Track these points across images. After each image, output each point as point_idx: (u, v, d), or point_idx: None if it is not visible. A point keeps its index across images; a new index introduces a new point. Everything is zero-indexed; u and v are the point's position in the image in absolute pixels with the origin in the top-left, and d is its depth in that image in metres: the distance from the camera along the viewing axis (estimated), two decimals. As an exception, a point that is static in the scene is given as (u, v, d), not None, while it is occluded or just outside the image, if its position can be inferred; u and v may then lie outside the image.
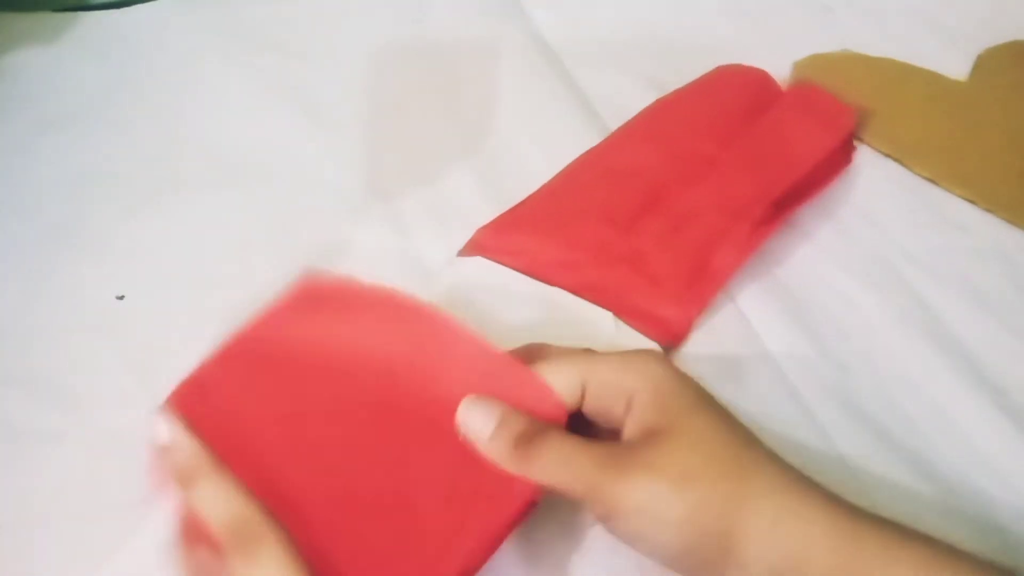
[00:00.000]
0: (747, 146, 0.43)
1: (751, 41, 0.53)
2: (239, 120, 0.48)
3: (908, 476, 0.34)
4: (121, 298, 0.39)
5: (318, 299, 0.33)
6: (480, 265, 0.40)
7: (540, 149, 0.46)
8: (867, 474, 0.34)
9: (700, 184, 0.41)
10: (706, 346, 0.38)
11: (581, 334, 0.35)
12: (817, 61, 0.52)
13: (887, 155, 0.47)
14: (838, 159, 0.44)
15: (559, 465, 0.27)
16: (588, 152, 0.45)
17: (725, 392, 0.36)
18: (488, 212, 0.42)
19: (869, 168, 0.46)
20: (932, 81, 0.51)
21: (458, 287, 0.39)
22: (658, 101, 0.47)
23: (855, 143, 0.46)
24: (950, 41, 0.52)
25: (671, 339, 0.37)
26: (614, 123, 0.47)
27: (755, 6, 0.56)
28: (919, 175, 0.46)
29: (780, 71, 0.52)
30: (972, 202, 0.44)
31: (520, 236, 0.40)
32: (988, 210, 0.44)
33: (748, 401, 0.36)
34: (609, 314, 0.37)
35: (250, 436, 0.28)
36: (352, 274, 0.33)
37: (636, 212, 0.40)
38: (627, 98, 0.48)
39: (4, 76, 0.50)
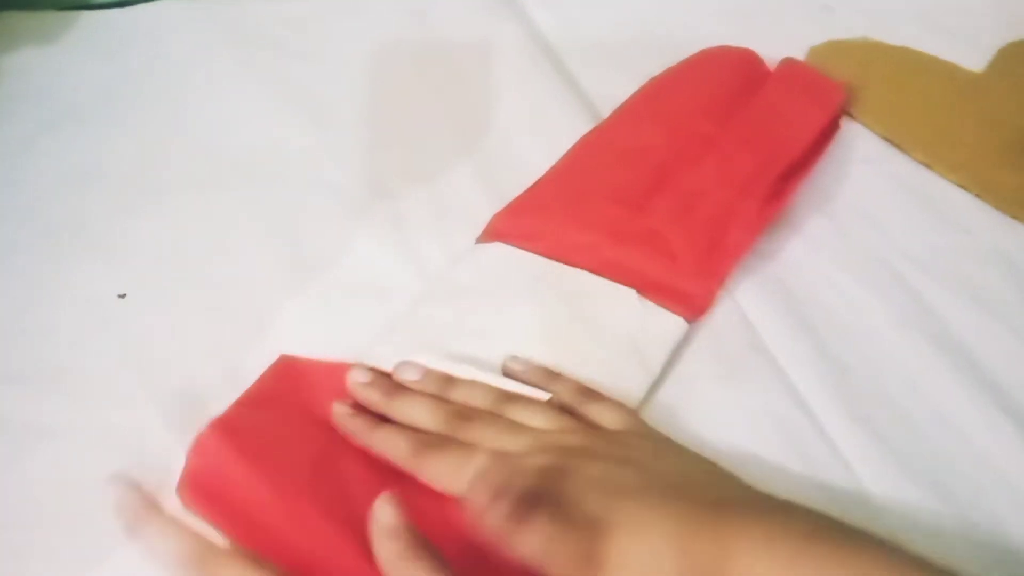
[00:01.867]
0: (744, 124, 0.44)
1: (751, 41, 0.53)
2: (240, 119, 0.48)
3: (907, 476, 0.34)
4: (122, 297, 0.39)
5: (292, 381, 0.33)
6: (500, 251, 0.40)
7: (540, 148, 0.46)
8: (865, 474, 0.34)
9: (702, 162, 0.42)
10: (706, 346, 0.38)
11: (606, 312, 0.37)
12: (833, 47, 0.52)
13: (887, 139, 0.47)
14: (828, 133, 0.45)
15: None
16: (590, 133, 0.45)
17: (724, 392, 0.36)
18: (488, 211, 0.42)
19: (869, 169, 0.46)
20: (946, 70, 0.51)
21: (481, 273, 0.39)
22: (651, 81, 0.48)
23: (842, 117, 0.47)
24: (950, 41, 0.52)
25: (694, 312, 0.38)
26: (614, 123, 0.47)
27: (755, 6, 0.56)
28: (915, 159, 0.46)
29: (781, 71, 0.52)
30: (963, 187, 0.45)
31: (536, 219, 0.41)
32: (978, 196, 0.44)
33: (747, 401, 0.36)
34: (632, 291, 0.37)
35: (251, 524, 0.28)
36: (321, 357, 0.34)
37: (646, 191, 0.41)
38: (627, 97, 0.48)
39: (5, 75, 0.50)
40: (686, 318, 0.37)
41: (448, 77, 0.51)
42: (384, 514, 0.26)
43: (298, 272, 0.40)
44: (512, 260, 0.39)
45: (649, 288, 0.38)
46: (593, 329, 0.36)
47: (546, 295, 0.38)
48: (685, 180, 0.42)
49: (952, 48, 0.52)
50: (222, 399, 0.35)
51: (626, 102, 0.47)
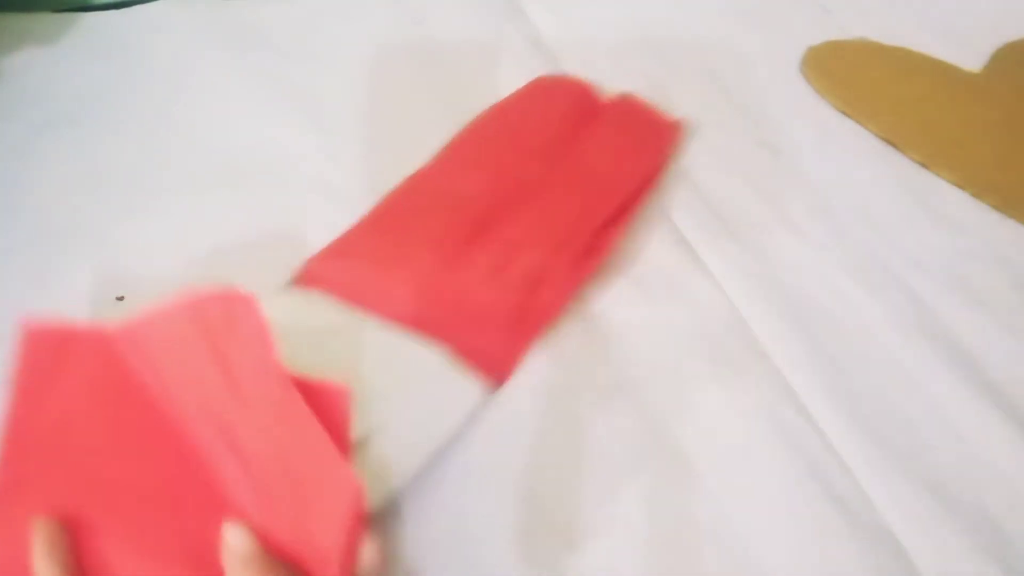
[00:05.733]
0: (572, 166, 0.43)
1: (750, 42, 0.53)
2: (239, 120, 0.48)
3: (904, 475, 0.34)
4: (121, 299, 0.39)
5: (55, 353, 0.31)
6: (311, 297, 0.38)
7: (539, 149, 0.46)
8: (863, 474, 0.34)
9: (525, 209, 0.41)
10: (703, 346, 0.38)
11: (413, 368, 0.35)
12: (831, 48, 0.52)
13: (884, 139, 0.47)
14: (657, 171, 0.44)
15: None
16: (416, 174, 0.44)
17: (721, 393, 0.36)
18: (487, 212, 0.42)
19: (866, 168, 0.46)
20: (943, 71, 0.51)
21: (291, 318, 0.35)
22: (481, 116, 0.46)
23: (672, 155, 0.46)
24: (947, 42, 0.52)
25: (499, 376, 0.37)
26: (612, 123, 0.47)
27: (754, 7, 0.56)
28: (912, 159, 0.46)
29: (779, 71, 0.52)
30: (960, 187, 0.45)
31: (350, 267, 0.39)
32: (976, 195, 0.44)
33: (744, 402, 0.36)
34: (441, 353, 0.36)
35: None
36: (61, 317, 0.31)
37: (463, 241, 0.40)
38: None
39: (4, 76, 0.50)
40: (490, 382, 0.36)
41: (447, 77, 0.51)
42: (236, 541, 0.26)
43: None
44: (321, 308, 0.37)
45: (455, 346, 0.36)
46: (397, 378, 0.35)
47: (353, 343, 0.36)
48: (506, 230, 0.40)
49: (949, 49, 0.52)
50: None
51: (454, 139, 0.46)
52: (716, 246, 0.42)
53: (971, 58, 0.52)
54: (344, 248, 0.41)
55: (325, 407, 0.28)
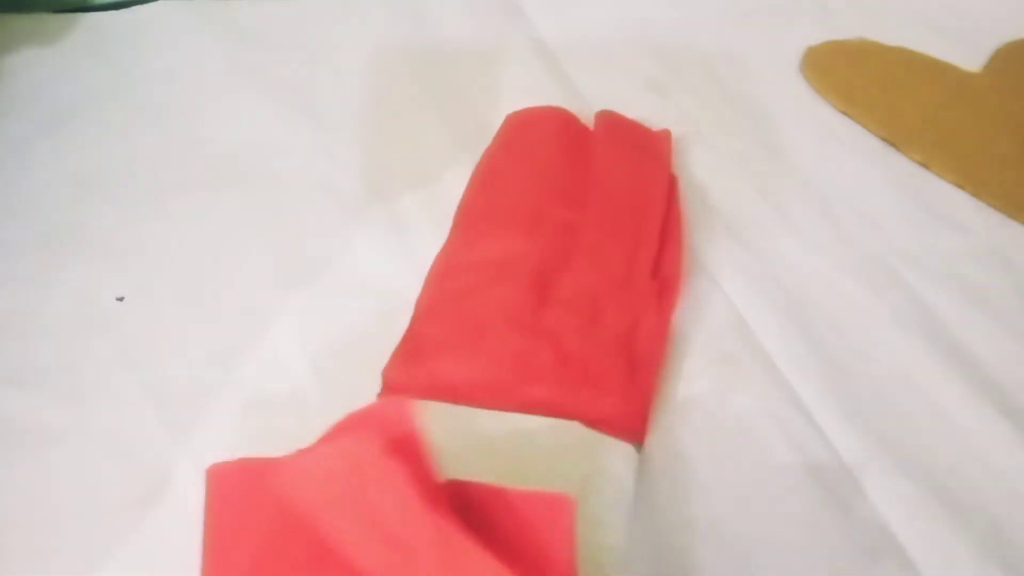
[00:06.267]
0: (595, 197, 0.41)
1: (750, 42, 0.53)
2: (239, 121, 0.48)
3: (904, 475, 0.34)
4: (121, 299, 0.39)
5: (238, 496, 0.29)
6: (432, 408, 0.34)
7: (539, 150, 0.46)
8: (863, 474, 0.34)
9: (574, 258, 0.38)
10: (702, 346, 0.38)
11: (551, 452, 0.32)
12: (831, 47, 0.52)
13: (884, 139, 0.47)
14: (672, 181, 0.43)
15: None
16: (447, 248, 0.41)
17: (720, 393, 0.36)
18: (487, 213, 0.42)
19: (866, 168, 0.46)
20: (943, 70, 0.51)
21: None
22: (480, 170, 0.44)
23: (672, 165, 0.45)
24: (947, 41, 0.52)
25: (637, 437, 0.34)
26: (612, 124, 0.47)
27: (754, 7, 0.56)
28: (912, 159, 0.46)
29: (779, 71, 0.52)
30: (960, 187, 0.45)
31: (431, 365, 0.35)
32: (975, 195, 0.44)
33: (744, 401, 0.36)
34: (577, 424, 0.33)
35: None
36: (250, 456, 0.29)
37: (532, 307, 0.37)
38: (625, 100, 0.48)
39: (4, 76, 0.50)
40: (632, 443, 0.33)
41: (447, 78, 0.51)
42: None
43: (297, 274, 0.40)
44: (445, 417, 0.33)
45: (584, 420, 0.33)
46: (541, 473, 0.31)
47: (501, 445, 0.33)
48: (566, 285, 0.37)
49: (949, 48, 0.52)
50: (221, 401, 0.35)
51: (464, 204, 0.42)
52: (716, 246, 0.42)
53: (971, 58, 0.52)
54: (418, 348, 0.36)
55: (533, 523, 0.25)
